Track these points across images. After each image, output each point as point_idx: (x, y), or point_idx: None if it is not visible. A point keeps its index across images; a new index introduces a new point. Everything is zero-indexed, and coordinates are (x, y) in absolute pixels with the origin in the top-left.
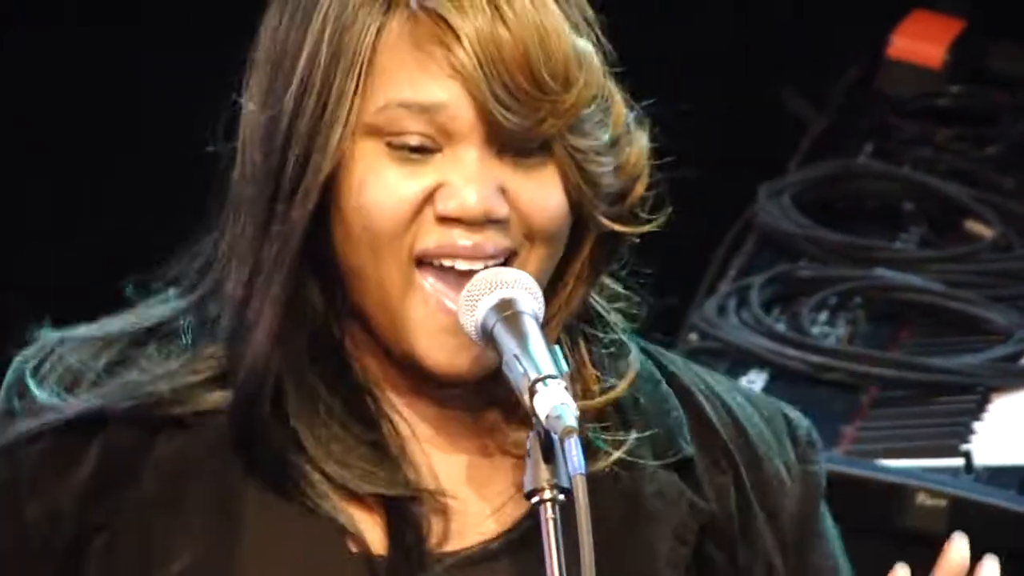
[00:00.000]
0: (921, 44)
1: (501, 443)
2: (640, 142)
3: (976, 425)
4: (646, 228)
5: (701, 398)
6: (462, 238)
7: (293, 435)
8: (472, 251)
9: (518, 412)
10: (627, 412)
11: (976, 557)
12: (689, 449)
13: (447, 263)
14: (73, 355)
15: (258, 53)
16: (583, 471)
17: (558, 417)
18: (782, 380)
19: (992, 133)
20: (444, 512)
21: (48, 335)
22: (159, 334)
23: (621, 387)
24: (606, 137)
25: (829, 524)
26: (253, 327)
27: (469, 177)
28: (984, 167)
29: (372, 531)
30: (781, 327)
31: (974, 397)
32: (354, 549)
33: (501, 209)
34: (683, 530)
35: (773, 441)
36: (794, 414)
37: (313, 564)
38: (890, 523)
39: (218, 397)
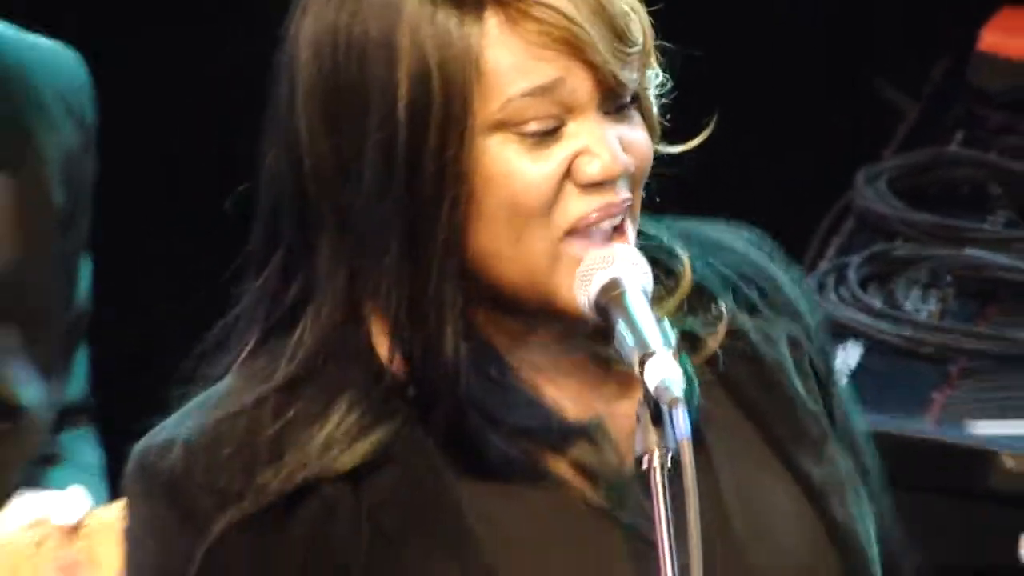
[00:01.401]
0: (1010, 39)
1: (620, 404)
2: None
3: None
4: (689, 147)
5: (683, 236)
6: (605, 197)
7: (481, 430)
8: (616, 207)
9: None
10: (702, 292)
11: None
12: (752, 293)
13: (593, 227)
14: (214, 427)
15: (304, 74)
16: (689, 437)
17: (666, 388)
18: (877, 352)
19: None
20: (607, 439)
21: (173, 438)
22: (295, 395)
23: (686, 282)
24: (655, 77)
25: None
26: (437, 337)
27: (600, 140)
28: None
29: (570, 473)
30: (876, 303)
31: None
32: (575, 496)
33: (630, 161)
34: (798, 360)
35: (758, 254)
36: (743, 226)
37: (554, 533)
38: (977, 486)
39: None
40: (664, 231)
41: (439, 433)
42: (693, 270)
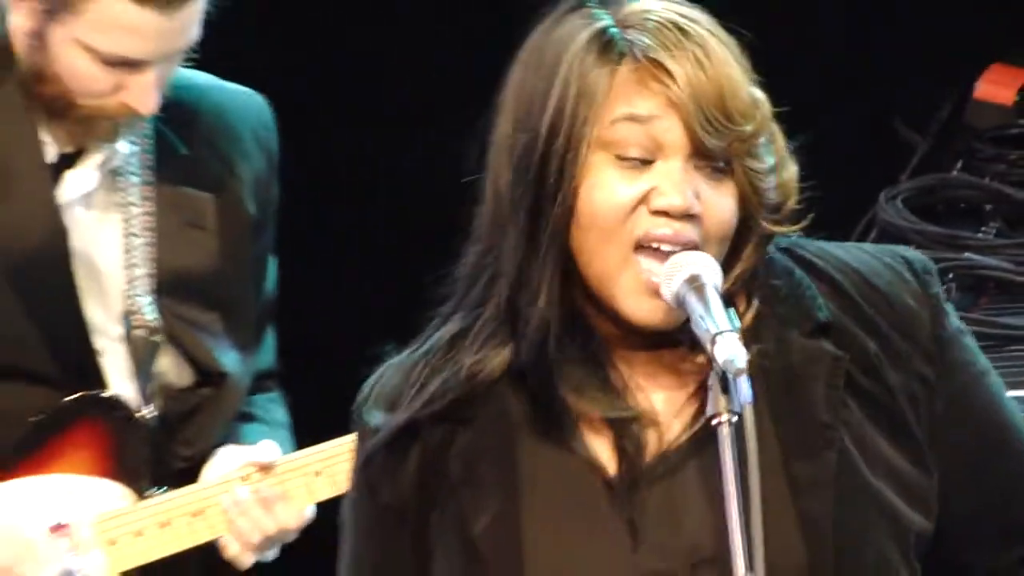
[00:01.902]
0: (999, 89)
1: (692, 377)
2: (792, 169)
3: None
4: (794, 229)
5: (834, 272)
6: (667, 227)
7: (552, 381)
8: (674, 237)
9: (701, 353)
10: (774, 310)
11: None
12: (823, 315)
13: (655, 245)
14: (393, 379)
15: (507, 97)
16: (751, 401)
17: (731, 361)
18: None
19: None
20: (651, 425)
21: (387, 358)
22: (457, 340)
23: (751, 314)
24: (771, 162)
25: (960, 326)
26: (533, 303)
27: (676, 183)
28: None
29: (606, 453)
30: None
31: None
32: (601, 472)
33: (696, 208)
34: (831, 378)
35: (897, 280)
36: (910, 252)
37: (574, 491)
38: None
39: (500, 363)
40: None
41: (524, 394)
42: (779, 289)
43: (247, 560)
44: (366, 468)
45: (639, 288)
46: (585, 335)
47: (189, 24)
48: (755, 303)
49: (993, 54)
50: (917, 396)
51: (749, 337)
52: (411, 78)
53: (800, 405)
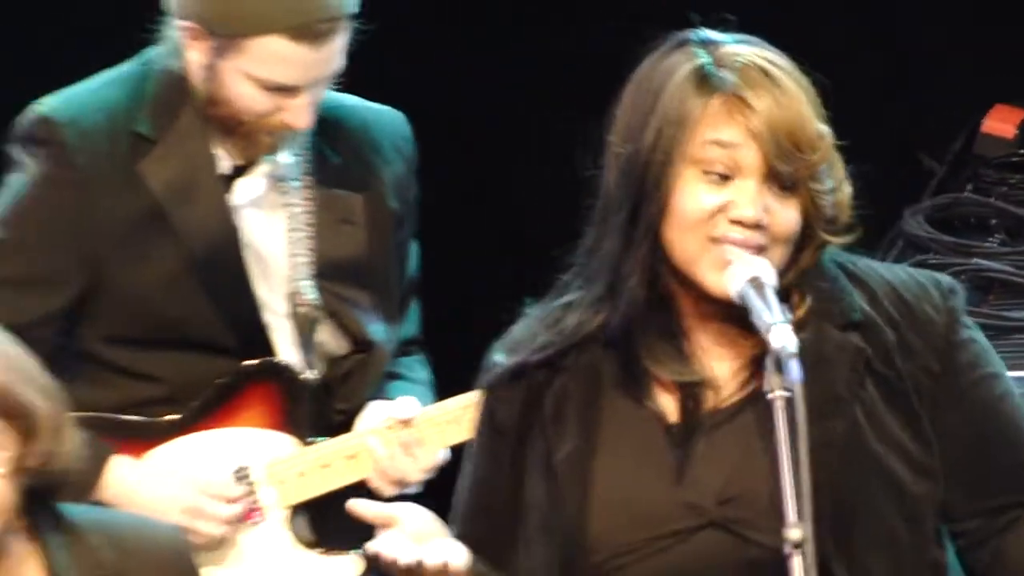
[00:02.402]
0: (1001, 124)
1: (747, 350)
2: (847, 190)
3: None
4: (846, 240)
5: (872, 283)
6: (740, 233)
7: (634, 348)
8: (744, 242)
9: (756, 334)
10: (818, 307)
11: None
12: (856, 316)
13: (727, 247)
14: (516, 332)
15: (619, 112)
16: (801, 380)
17: (784, 347)
18: None
19: None
20: (710, 387)
21: (525, 311)
22: (568, 306)
23: (808, 302)
24: (830, 185)
25: (974, 334)
26: (627, 281)
27: (750, 199)
28: None
29: (670, 404)
30: None
31: None
32: (662, 421)
33: (765, 220)
34: (853, 363)
35: (923, 294)
36: (942, 277)
37: (638, 435)
38: None
39: (596, 328)
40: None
41: (611, 355)
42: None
43: (389, 493)
44: (486, 396)
45: (717, 266)
46: (666, 312)
47: (334, 55)
48: (808, 299)
49: (996, 95)
50: (922, 384)
51: (796, 326)
52: (539, 90)
53: (823, 381)
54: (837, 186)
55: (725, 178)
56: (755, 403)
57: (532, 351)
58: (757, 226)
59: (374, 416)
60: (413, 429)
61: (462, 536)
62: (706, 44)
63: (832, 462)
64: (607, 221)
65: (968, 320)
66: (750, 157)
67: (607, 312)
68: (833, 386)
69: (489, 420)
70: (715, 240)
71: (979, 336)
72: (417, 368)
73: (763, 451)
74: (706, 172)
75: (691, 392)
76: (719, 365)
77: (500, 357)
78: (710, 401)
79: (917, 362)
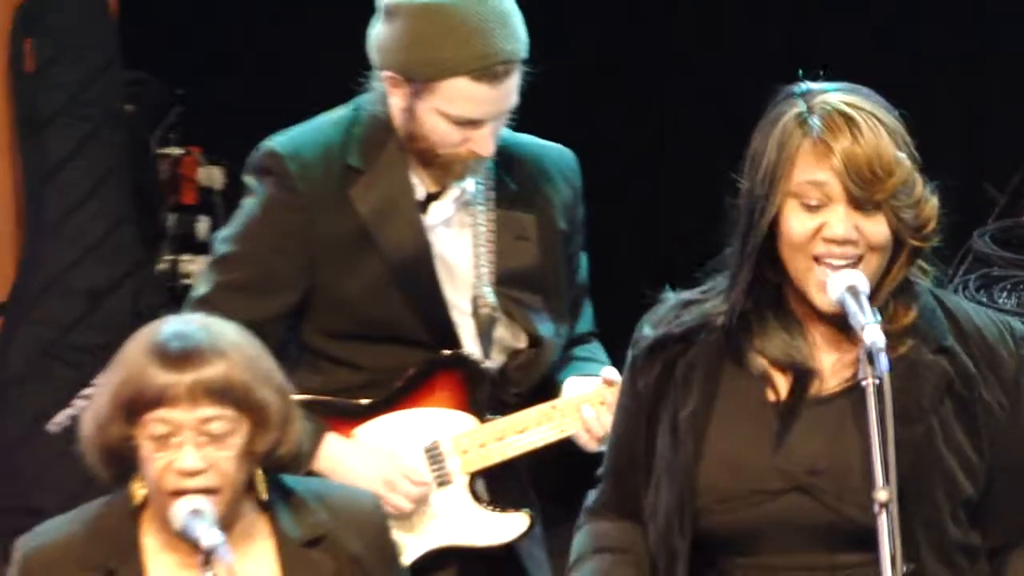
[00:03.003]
0: None
1: (850, 351)
2: (932, 202)
3: None
4: (933, 244)
5: (960, 317)
6: (836, 247)
7: (749, 331)
8: (841, 255)
9: (854, 333)
10: (918, 327)
11: None
12: (947, 342)
13: (826, 260)
14: (661, 309)
15: (749, 151)
16: (888, 371)
17: (875, 343)
18: None
19: None
20: (820, 378)
21: (666, 296)
22: (704, 293)
23: (911, 316)
24: (912, 199)
25: None
26: (739, 285)
27: (840, 221)
28: None
29: (781, 384)
30: (984, 299)
31: None
32: (771, 398)
33: (854, 236)
34: (939, 382)
35: (1000, 338)
36: (1017, 324)
37: (749, 406)
38: None
39: (722, 314)
40: (934, 307)
41: (735, 337)
42: (923, 316)
43: (595, 448)
44: (633, 363)
45: (820, 287)
46: (785, 309)
47: (510, 92)
48: (913, 311)
49: None
50: (992, 412)
51: (899, 335)
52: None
53: (912, 391)
54: (919, 201)
55: (819, 206)
56: (850, 394)
57: (672, 327)
58: (847, 241)
59: (575, 388)
60: (614, 390)
61: (609, 475)
62: (805, 94)
63: (907, 456)
64: (733, 237)
65: None
66: (836, 189)
67: (729, 304)
68: (920, 398)
69: (632, 384)
70: (817, 259)
71: None
72: (599, 351)
73: (852, 435)
74: (803, 203)
75: (801, 376)
76: (827, 358)
77: (648, 330)
78: (814, 387)
79: (990, 394)
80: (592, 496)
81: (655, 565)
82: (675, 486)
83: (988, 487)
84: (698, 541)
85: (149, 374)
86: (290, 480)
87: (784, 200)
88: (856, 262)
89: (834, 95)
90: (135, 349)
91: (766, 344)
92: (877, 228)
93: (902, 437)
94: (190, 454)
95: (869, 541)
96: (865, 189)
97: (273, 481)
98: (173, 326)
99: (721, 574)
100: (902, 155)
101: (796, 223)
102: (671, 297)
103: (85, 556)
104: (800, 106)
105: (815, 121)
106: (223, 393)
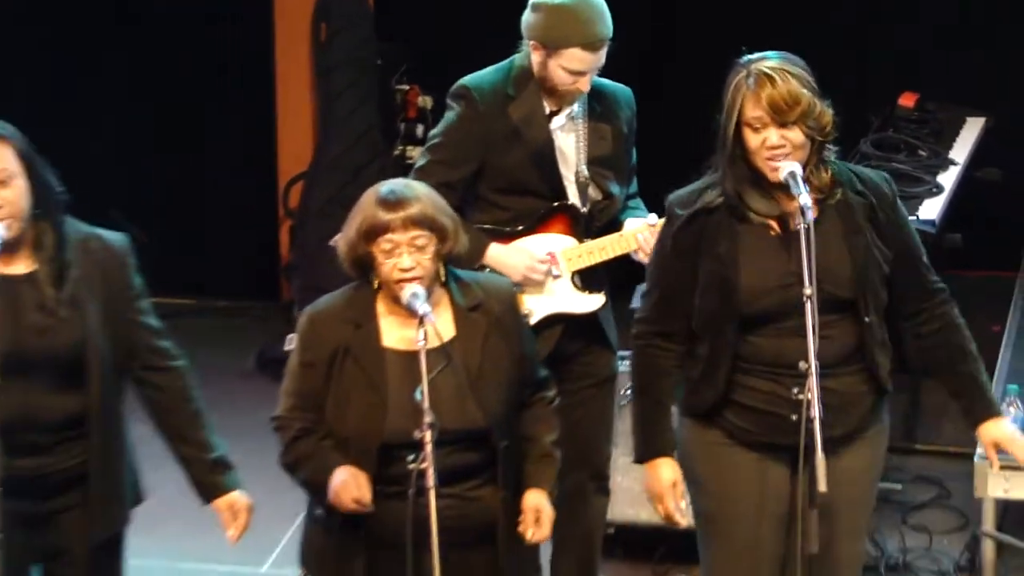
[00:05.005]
0: (907, 101)
1: (794, 202)
2: (828, 115)
3: None
4: (832, 140)
5: (859, 173)
6: (775, 151)
7: (742, 200)
8: (779, 155)
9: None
10: (840, 182)
11: None
12: (860, 187)
13: (770, 157)
14: (685, 193)
15: (724, 95)
16: (809, 206)
17: (804, 203)
18: None
19: None
20: (791, 217)
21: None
22: (710, 182)
23: (829, 176)
24: (814, 116)
25: (900, 207)
26: (726, 177)
27: (773, 135)
28: None
29: (774, 225)
30: None
31: None
32: (771, 234)
33: (783, 143)
34: (864, 210)
35: (881, 181)
36: (887, 175)
37: (762, 240)
38: None
39: (719, 195)
40: (847, 171)
41: (736, 205)
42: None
43: (642, 258)
44: (673, 231)
45: (772, 171)
46: (760, 184)
47: (602, 57)
48: (829, 174)
49: (908, 86)
50: (885, 223)
51: (830, 188)
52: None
53: (851, 217)
54: (819, 116)
55: (761, 128)
56: (821, 224)
57: (695, 205)
58: (779, 147)
59: (631, 224)
60: (656, 227)
61: (656, 299)
62: (747, 63)
63: (860, 253)
64: (719, 148)
65: (899, 198)
66: (766, 117)
67: (725, 188)
68: (857, 219)
69: (673, 246)
70: (767, 159)
71: (901, 204)
72: (641, 204)
73: (820, 252)
74: (752, 128)
75: (783, 219)
76: (788, 208)
77: (678, 210)
78: (791, 225)
79: (883, 214)
80: (641, 308)
81: (697, 343)
82: (722, 290)
83: (892, 270)
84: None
85: (378, 215)
86: (459, 271)
87: (741, 127)
88: (789, 154)
89: (766, 62)
90: (367, 201)
91: (754, 205)
92: (795, 135)
93: (853, 243)
94: (406, 259)
95: (839, 306)
96: (781, 115)
97: (450, 272)
98: (388, 186)
99: (751, 341)
100: (805, 91)
101: (751, 139)
102: (686, 189)
103: (343, 314)
104: (743, 72)
105: (751, 81)
106: (421, 222)
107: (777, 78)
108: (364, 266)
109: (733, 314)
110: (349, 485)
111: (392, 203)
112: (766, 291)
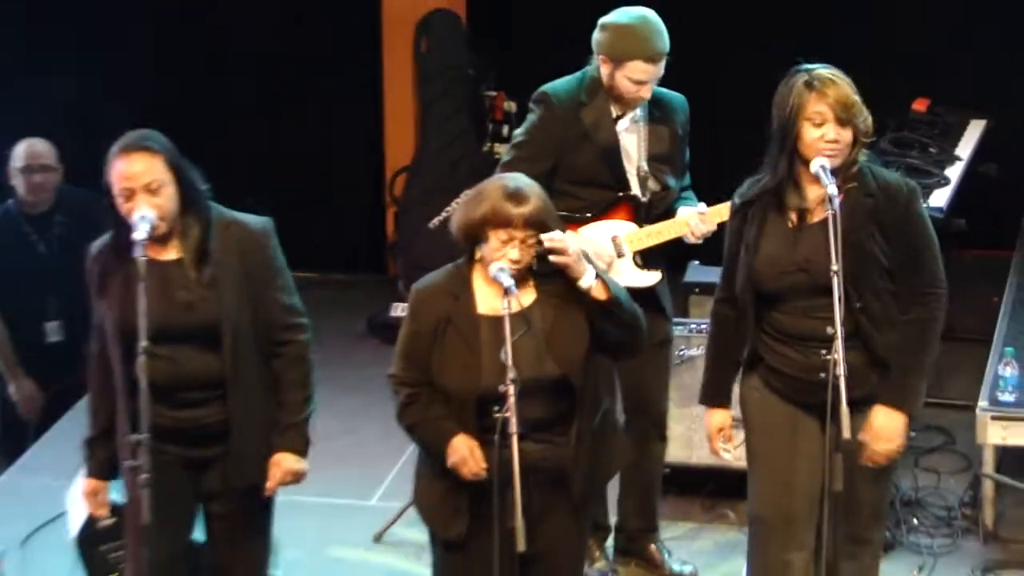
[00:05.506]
0: (920, 106)
1: (822, 194)
2: (869, 120)
3: None
4: (871, 140)
5: (878, 175)
6: (831, 145)
7: (783, 196)
8: (832, 150)
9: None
10: (858, 181)
11: None
12: (872, 188)
13: (824, 152)
14: (746, 187)
15: (776, 99)
16: (836, 193)
17: (832, 195)
18: None
19: None
20: (809, 212)
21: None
22: (762, 176)
23: (854, 172)
24: (862, 119)
25: (921, 209)
26: (779, 169)
27: (832, 131)
28: None
29: (794, 214)
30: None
31: None
32: (789, 225)
33: (839, 138)
34: (870, 211)
35: (897, 186)
36: (909, 181)
37: (778, 230)
38: None
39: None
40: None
41: (775, 197)
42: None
43: (693, 241)
44: (734, 214)
45: (813, 164)
46: (795, 181)
47: (661, 68)
48: (854, 170)
49: (923, 93)
50: (891, 225)
51: (848, 182)
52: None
53: (855, 216)
54: (865, 119)
55: (821, 123)
56: (823, 224)
57: (749, 194)
58: (836, 141)
59: (684, 212)
60: (705, 215)
61: (725, 274)
62: (809, 70)
63: (853, 249)
64: (773, 143)
65: (920, 201)
66: (830, 114)
67: (773, 180)
68: (856, 218)
69: (730, 227)
70: (821, 151)
71: (923, 210)
72: (693, 195)
73: (824, 244)
74: (813, 123)
75: (802, 214)
76: (814, 202)
77: (738, 200)
78: (808, 219)
79: (890, 216)
80: (720, 285)
81: (741, 312)
82: (746, 271)
83: (895, 265)
84: (757, 298)
85: (505, 207)
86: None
87: (802, 123)
88: (840, 151)
89: (823, 70)
90: (493, 192)
91: (788, 197)
92: (847, 135)
93: (849, 239)
94: (516, 252)
95: (830, 292)
96: (844, 112)
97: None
98: (514, 182)
99: (774, 316)
100: (856, 97)
101: (810, 133)
102: (746, 184)
103: (443, 287)
104: (805, 76)
105: (815, 82)
106: (535, 223)
107: (839, 82)
108: (474, 241)
109: (751, 290)
110: (468, 463)
111: (517, 199)
112: (772, 276)
